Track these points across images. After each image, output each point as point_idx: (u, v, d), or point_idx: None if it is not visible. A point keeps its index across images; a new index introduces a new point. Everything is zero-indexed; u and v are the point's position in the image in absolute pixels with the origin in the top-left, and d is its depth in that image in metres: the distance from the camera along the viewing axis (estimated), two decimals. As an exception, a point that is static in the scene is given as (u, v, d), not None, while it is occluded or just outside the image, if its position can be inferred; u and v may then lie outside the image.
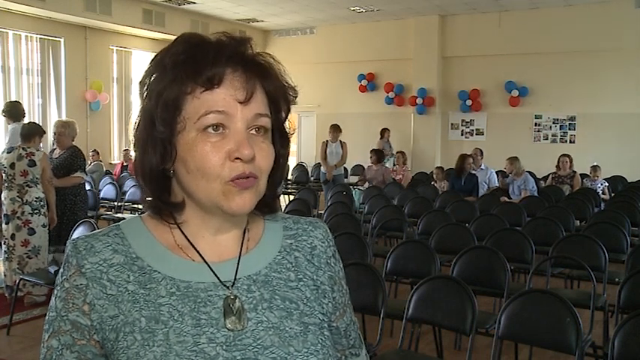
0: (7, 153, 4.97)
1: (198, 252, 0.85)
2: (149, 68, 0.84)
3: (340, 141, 8.86)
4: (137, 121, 0.84)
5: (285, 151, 0.90)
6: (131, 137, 0.86)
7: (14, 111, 6.08)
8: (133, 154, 0.88)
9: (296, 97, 0.89)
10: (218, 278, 0.83)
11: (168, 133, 0.80)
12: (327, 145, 8.85)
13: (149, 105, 0.82)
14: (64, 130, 5.36)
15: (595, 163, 8.57)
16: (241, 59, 0.82)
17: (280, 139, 0.89)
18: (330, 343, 0.88)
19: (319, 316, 0.88)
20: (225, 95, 0.79)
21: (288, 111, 0.89)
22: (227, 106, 0.79)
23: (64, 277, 0.82)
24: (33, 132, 5.06)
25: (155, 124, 0.80)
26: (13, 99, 9.86)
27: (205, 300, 0.81)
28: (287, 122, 0.90)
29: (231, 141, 0.79)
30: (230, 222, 0.86)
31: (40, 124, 6.26)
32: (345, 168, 10.32)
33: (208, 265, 0.84)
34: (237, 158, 0.79)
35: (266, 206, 0.90)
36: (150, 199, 0.85)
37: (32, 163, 4.90)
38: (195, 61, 0.80)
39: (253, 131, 0.81)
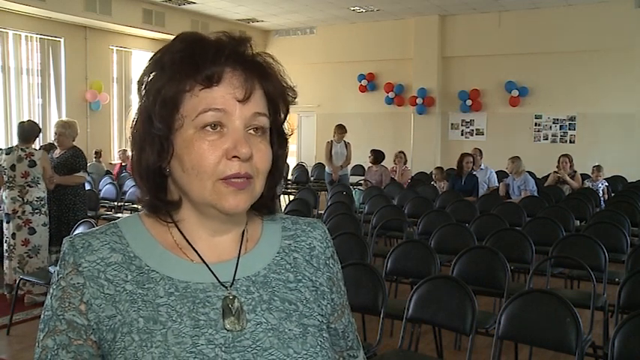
0: (6, 154, 4.97)
1: (196, 252, 0.84)
2: (147, 66, 0.83)
3: (345, 141, 8.74)
4: (134, 120, 0.84)
5: (283, 152, 0.89)
6: (128, 136, 0.85)
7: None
8: (130, 153, 0.88)
9: (295, 97, 0.89)
10: (217, 279, 0.83)
11: (165, 130, 0.80)
12: (332, 146, 8.73)
13: (147, 103, 0.81)
14: (65, 130, 5.35)
15: (597, 164, 8.56)
16: (241, 58, 0.82)
17: (278, 140, 0.88)
18: (329, 345, 0.87)
19: (318, 317, 0.88)
20: (224, 93, 0.79)
21: (286, 112, 0.88)
22: (226, 104, 0.79)
23: (61, 275, 0.81)
24: (32, 133, 5.05)
25: (153, 122, 0.80)
26: (13, 99, 9.89)
27: (204, 301, 0.81)
28: (286, 123, 0.89)
29: (229, 139, 0.79)
30: (227, 223, 0.85)
31: (40, 124, 6.21)
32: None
33: (207, 266, 0.83)
34: (234, 157, 0.78)
35: (264, 207, 0.90)
36: (146, 197, 0.85)
37: (32, 164, 4.90)
38: (194, 59, 0.79)
39: (251, 131, 0.81)
